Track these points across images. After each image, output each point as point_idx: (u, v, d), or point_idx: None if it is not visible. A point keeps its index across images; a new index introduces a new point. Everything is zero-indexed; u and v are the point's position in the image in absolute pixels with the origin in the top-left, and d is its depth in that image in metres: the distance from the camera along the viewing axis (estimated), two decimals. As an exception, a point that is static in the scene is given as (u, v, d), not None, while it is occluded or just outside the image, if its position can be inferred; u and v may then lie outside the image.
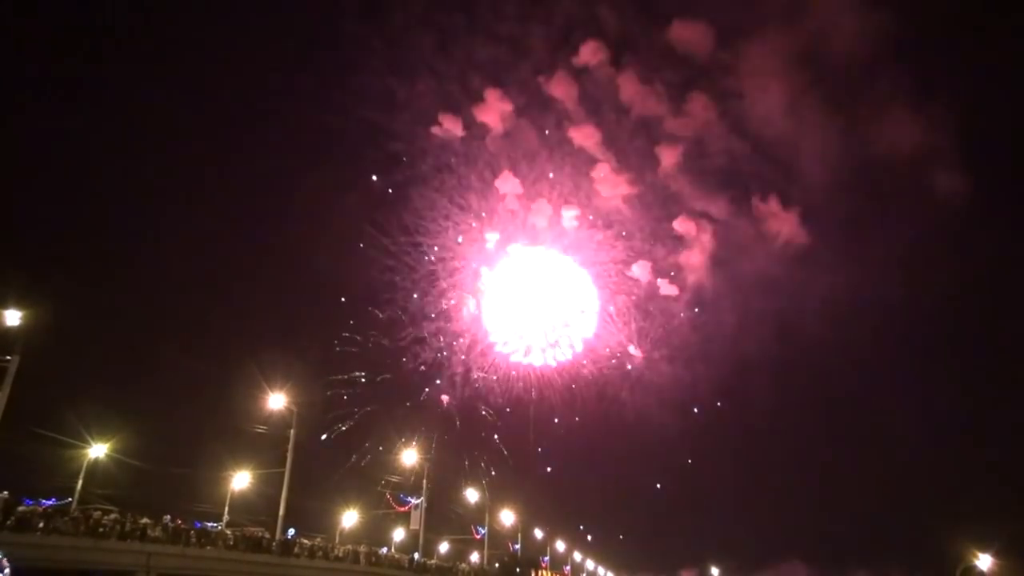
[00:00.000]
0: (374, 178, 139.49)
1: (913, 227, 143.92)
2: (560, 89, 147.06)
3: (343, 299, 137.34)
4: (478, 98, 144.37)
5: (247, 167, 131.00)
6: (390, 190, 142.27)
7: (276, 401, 61.48)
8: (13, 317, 38.94)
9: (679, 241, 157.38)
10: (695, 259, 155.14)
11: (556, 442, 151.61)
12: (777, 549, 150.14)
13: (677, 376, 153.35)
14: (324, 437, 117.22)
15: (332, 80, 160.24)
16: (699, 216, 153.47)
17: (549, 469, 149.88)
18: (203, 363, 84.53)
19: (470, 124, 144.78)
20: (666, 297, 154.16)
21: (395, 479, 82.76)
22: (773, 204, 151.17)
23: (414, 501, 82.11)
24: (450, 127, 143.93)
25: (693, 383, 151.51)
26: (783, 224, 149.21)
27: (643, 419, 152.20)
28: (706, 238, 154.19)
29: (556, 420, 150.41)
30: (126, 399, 65.73)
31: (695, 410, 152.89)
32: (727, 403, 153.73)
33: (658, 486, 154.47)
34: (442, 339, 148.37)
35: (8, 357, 38.37)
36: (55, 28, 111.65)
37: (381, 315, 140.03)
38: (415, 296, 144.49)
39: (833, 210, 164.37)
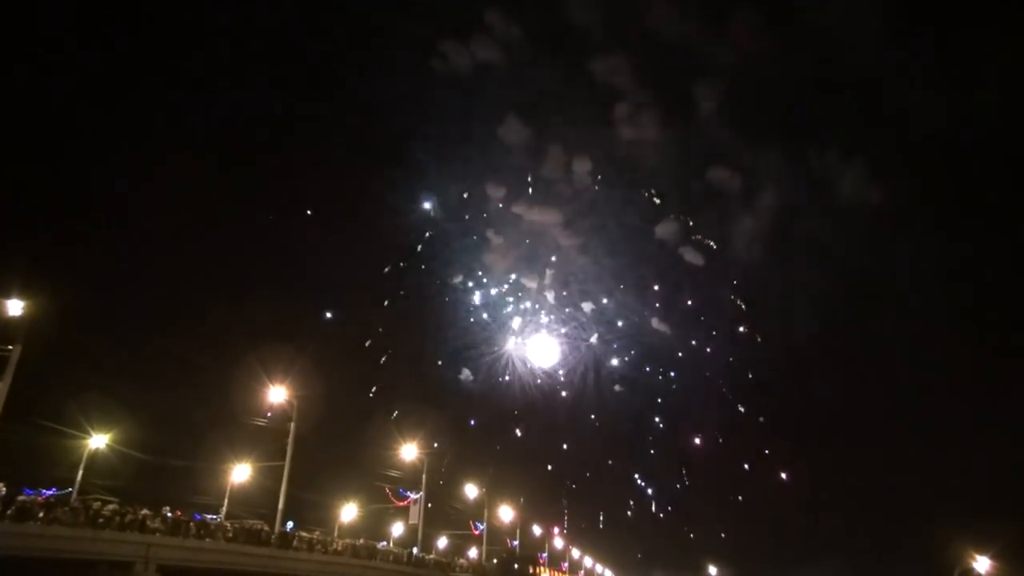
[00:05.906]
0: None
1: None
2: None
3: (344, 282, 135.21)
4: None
5: (245, 161, 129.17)
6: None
7: (277, 394, 61.48)
8: (15, 306, 38.94)
9: (718, 198, 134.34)
10: (737, 220, 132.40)
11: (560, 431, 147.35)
12: (777, 552, 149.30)
13: (708, 360, 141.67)
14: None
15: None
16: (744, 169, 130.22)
17: (550, 467, 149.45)
18: (204, 354, 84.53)
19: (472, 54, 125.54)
20: (697, 266, 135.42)
21: (395, 474, 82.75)
22: (836, 156, 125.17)
23: (413, 496, 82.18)
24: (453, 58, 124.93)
25: (725, 370, 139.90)
26: (849, 181, 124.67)
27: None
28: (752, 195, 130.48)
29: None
30: (127, 390, 65.64)
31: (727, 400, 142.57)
32: (762, 395, 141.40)
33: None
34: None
35: (10, 347, 38.39)
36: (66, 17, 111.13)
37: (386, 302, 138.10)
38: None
39: (917, 165, 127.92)
